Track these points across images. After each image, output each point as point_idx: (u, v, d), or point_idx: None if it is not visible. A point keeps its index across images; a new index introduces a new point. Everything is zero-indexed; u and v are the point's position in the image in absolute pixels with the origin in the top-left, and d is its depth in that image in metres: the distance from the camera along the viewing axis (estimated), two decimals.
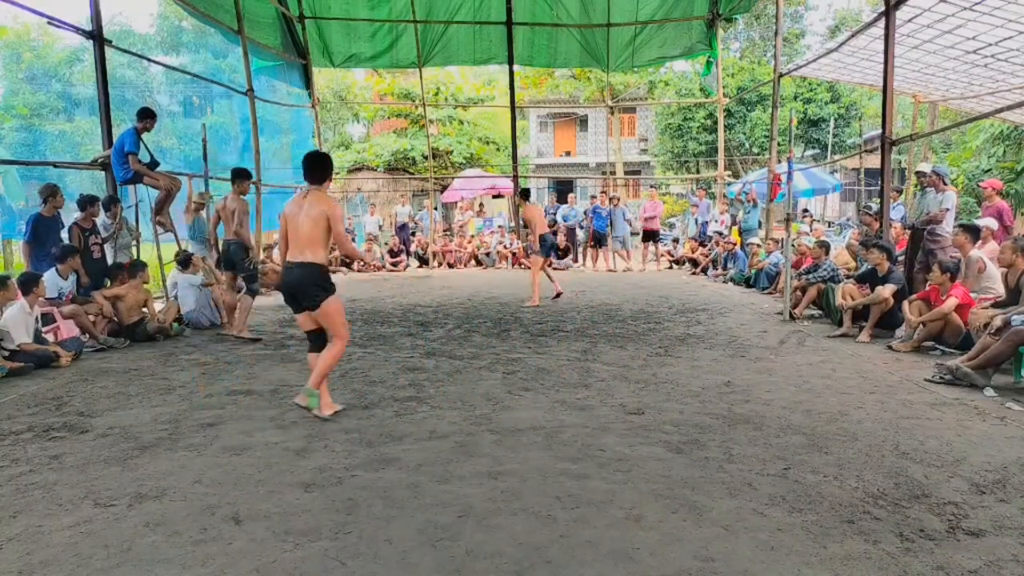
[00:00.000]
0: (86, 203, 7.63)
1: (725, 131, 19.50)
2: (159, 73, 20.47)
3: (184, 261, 8.40)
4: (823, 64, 12.10)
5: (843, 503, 3.00)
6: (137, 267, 7.71)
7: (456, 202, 22.66)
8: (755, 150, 25.73)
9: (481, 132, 27.74)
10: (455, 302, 10.03)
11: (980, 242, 8.32)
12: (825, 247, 8.64)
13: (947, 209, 7.50)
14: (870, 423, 4.12)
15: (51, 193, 7.35)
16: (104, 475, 3.45)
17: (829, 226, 19.66)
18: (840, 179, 22.92)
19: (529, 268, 15.46)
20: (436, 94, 25.08)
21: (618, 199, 15.85)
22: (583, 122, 34.56)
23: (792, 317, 8.09)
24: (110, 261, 7.91)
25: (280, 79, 15.40)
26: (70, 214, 7.92)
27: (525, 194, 10.34)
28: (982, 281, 6.53)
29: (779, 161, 12.35)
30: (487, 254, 17.02)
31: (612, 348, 6.48)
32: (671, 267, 15.92)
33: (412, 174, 25.12)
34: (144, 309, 7.51)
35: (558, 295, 9.98)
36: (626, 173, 30.51)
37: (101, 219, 7.96)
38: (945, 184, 7.77)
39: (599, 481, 3.29)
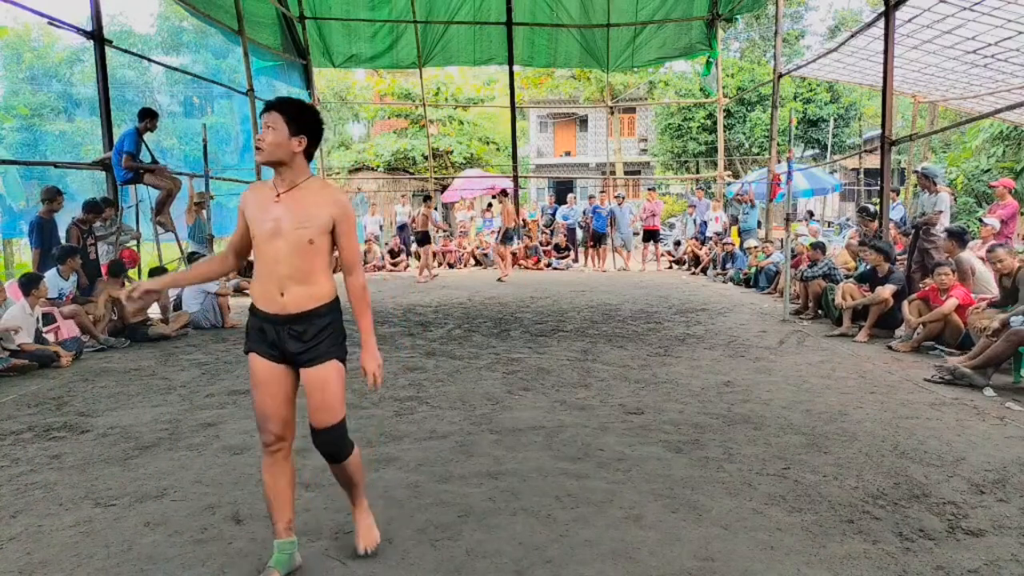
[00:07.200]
0: (90, 209, 7.63)
1: (725, 131, 19.51)
2: (159, 73, 20.47)
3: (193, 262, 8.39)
4: (823, 64, 12.11)
5: (843, 503, 3.00)
6: (158, 275, 7.71)
7: (455, 202, 22.67)
8: (755, 150, 25.73)
9: (481, 132, 27.73)
10: (455, 302, 10.03)
11: (981, 242, 8.34)
12: (821, 247, 8.68)
13: (940, 211, 7.51)
14: (870, 423, 4.12)
15: (52, 196, 7.37)
16: (104, 475, 3.45)
17: (828, 226, 19.65)
18: (840, 179, 22.91)
19: (529, 268, 15.59)
20: (436, 94, 25.09)
21: (623, 198, 15.89)
22: (583, 122, 34.55)
23: (799, 315, 8.18)
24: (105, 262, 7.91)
25: (280, 79, 15.42)
26: (66, 215, 7.91)
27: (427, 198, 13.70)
28: (975, 284, 6.56)
29: (779, 161, 12.36)
30: (486, 254, 17.03)
31: (612, 348, 6.48)
32: (671, 267, 15.92)
33: (412, 174, 25.12)
34: (151, 312, 7.51)
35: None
36: (626, 173, 30.51)
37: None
38: (935, 185, 7.78)
39: (599, 481, 3.29)
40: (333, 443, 2.47)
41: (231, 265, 2.67)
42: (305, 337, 2.40)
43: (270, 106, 2.44)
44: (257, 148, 2.42)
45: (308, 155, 2.45)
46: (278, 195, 2.40)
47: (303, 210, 2.37)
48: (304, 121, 2.41)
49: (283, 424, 2.45)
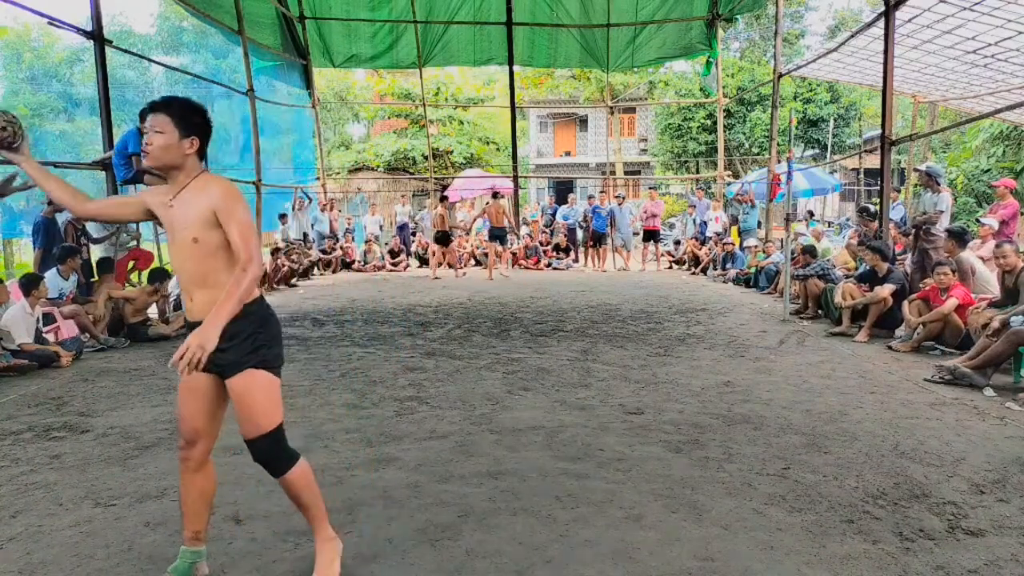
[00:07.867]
0: None
1: (725, 131, 19.51)
2: (160, 73, 20.50)
3: None
4: (823, 64, 12.11)
5: (843, 503, 3.00)
6: (158, 276, 7.75)
7: (455, 202, 22.68)
8: (755, 150, 25.74)
9: (481, 132, 27.77)
10: (455, 302, 10.03)
11: (980, 242, 8.33)
12: (811, 251, 8.72)
13: (941, 211, 7.52)
14: (870, 423, 4.12)
15: None
16: (104, 475, 3.45)
17: (828, 226, 19.67)
18: (840, 179, 22.93)
19: (529, 268, 15.60)
20: (436, 94, 25.12)
21: (623, 198, 15.90)
22: (583, 122, 34.55)
23: (799, 315, 8.19)
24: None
25: (280, 79, 15.44)
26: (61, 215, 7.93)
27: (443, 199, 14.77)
28: (975, 284, 6.56)
29: (779, 161, 12.36)
30: (486, 254, 17.03)
31: (612, 348, 6.48)
32: (671, 267, 15.92)
33: (412, 174, 25.15)
34: (150, 312, 7.53)
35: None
36: (626, 173, 30.51)
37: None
38: (938, 185, 7.77)
39: (599, 481, 3.29)
40: (262, 453, 2.34)
41: (81, 204, 2.41)
42: (219, 345, 2.16)
43: (155, 107, 2.29)
44: (144, 153, 2.27)
45: (201, 154, 2.34)
46: (170, 200, 2.29)
47: (186, 209, 2.24)
48: (194, 121, 2.28)
49: (194, 432, 2.38)
